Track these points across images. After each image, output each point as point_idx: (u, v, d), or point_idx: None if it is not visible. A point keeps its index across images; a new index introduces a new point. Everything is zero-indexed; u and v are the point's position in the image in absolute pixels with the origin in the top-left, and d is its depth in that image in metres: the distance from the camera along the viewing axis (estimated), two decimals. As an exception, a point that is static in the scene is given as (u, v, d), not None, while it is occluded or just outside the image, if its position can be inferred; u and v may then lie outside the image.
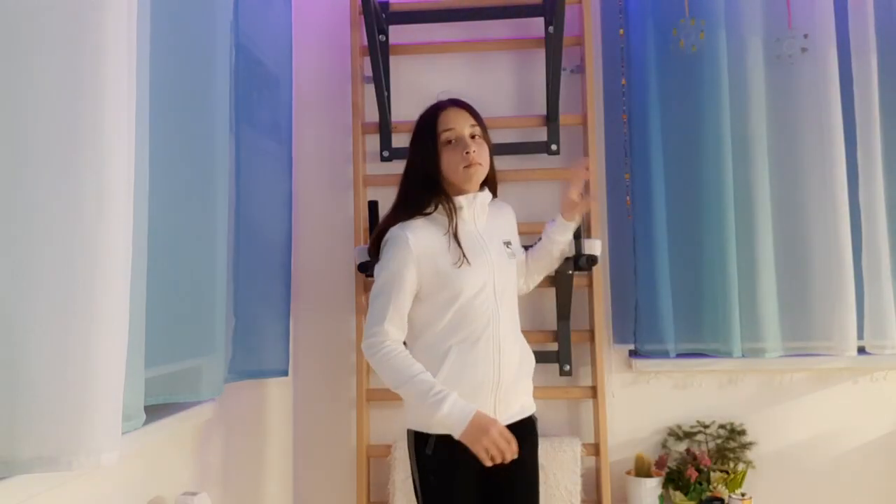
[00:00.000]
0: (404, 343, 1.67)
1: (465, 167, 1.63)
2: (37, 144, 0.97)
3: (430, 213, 1.66)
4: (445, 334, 1.63)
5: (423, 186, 1.65)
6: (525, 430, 1.70)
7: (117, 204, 1.04)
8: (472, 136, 1.66)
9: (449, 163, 1.64)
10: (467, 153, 1.62)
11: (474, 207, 1.68)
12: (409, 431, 1.70)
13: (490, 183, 1.74)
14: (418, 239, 1.62)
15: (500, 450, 1.53)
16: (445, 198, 1.65)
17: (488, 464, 1.54)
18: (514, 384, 1.68)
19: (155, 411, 1.53)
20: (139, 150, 1.20)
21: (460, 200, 1.66)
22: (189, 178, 1.55)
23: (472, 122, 1.67)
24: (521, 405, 1.71)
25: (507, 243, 1.74)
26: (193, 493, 1.59)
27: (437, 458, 1.62)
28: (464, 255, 1.61)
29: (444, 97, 1.73)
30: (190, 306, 1.55)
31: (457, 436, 1.54)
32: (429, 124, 1.67)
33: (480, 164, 1.64)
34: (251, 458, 2.15)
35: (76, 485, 1.24)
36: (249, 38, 1.97)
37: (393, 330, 1.62)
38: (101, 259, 1.01)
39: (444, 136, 1.65)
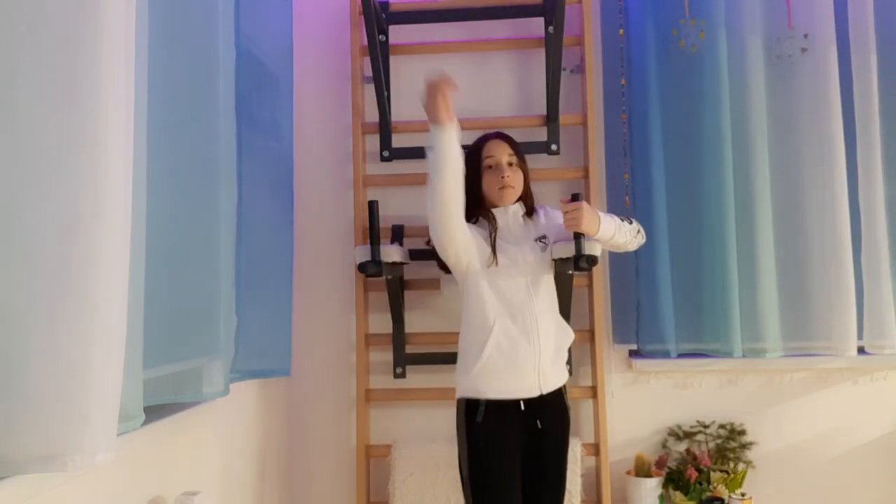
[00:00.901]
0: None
1: (500, 188, 1.95)
2: (34, 144, 0.97)
3: (474, 223, 1.96)
4: (491, 314, 1.89)
5: (468, 201, 1.91)
6: (557, 399, 1.94)
7: (115, 204, 1.04)
8: (510, 164, 1.97)
9: (488, 183, 1.97)
10: (502, 177, 1.95)
11: (507, 217, 1.98)
12: (459, 401, 1.93)
13: (526, 198, 2.02)
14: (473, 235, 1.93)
15: (439, 87, 1.74)
16: (485, 210, 1.99)
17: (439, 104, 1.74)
18: (553, 357, 1.92)
19: (155, 411, 1.53)
20: (139, 152, 1.20)
21: (496, 213, 1.98)
22: (192, 178, 1.54)
23: (510, 151, 1.99)
24: (557, 376, 1.94)
25: (541, 238, 1.98)
26: (193, 493, 1.59)
27: (487, 424, 1.86)
28: (495, 257, 1.91)
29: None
30: (194, 306, 1.54)
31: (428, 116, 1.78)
32: (475, 152, 2.00)
33: (513, 186, 1.96)
34: (251, 458, 2.15)
35: (76, 484, 1.24)
36: (249, 38, 1.97)
37: None
38: (98, 259, 1.01)
39: (486, 162, 1.98)
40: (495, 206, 1.99)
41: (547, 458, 1.91)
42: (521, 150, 2.02)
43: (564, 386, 1.99)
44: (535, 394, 1.88)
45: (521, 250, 1.94)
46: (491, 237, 1.93)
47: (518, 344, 1.87)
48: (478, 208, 1.98)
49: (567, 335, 2.01)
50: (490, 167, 1.97)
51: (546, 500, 1.90)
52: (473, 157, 1.99)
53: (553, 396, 1.92)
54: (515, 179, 1.96)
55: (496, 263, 1.90)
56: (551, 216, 2.05)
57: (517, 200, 2.00)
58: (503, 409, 1.87)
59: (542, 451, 1.90)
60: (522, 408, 1.88)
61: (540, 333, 1.89)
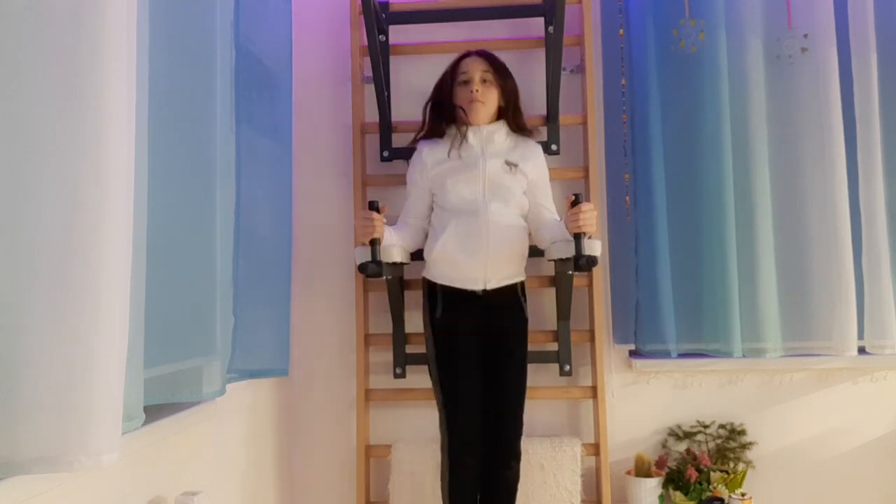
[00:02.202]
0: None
1: (469, 102, 2.04)
2: (36, 144, 0.97)
3: (443, 135, 2.10)
4: (450, 212, 2.06)
5: (441, 116, 2.09)
6: (509, 297, 2.07)
7: (117, 204, 1.04)
8: (483, 80, 2.05)
9: (459, 97, 2.07)
10: (472, 91, 2.03)
11: (481, 136, 2.06)
12: (423, 280, 2.12)
13: (512, 119, 2.10)
14: (431, 152, 2.10)
15: (363, 224, 1.95)
16: (456, 125, 2.08)
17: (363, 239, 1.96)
18: (503, 255, 2.03)
19: (155, 411, 1.53)
20: (139, 150, 1.20)
21: (466, 129, 2.07)
22: (191, 178, 1.54)
23: (485, 68, 2.06)
24: (507, 273, 2.06)
25: (511, 164, 2.06)
26: (193, 493, 1.59)
27: (445, 318, 2.05)
28: (449, 155, 2.06)
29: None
30: (192, 306, 1.54)
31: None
32: (451, 67, 2.11)
33: (482, 102, 2.04)
34: (251, 458, 2.15)
35: (76, 485, 1.24)
36: (249, 38, 1.96)
37: (403, 219, 2.17)
38: (101, 259, 1.01)
39: (460, 78, 2.07)
40: (469, 123, 2.06)
41: (503, 354, 2.04)
42: (503, 69, 2.09)
43: (521, 291, 2.09)
44: (479, 287, 2.02)
45: (482, 167, 2.03)
46: (453, 144, 2.05)
47: (468, 239, 2.00)
48: (449, 122, 2.08)
49: (521, 243, 2.08)
50: (464, 82, 2.05)
51: (507, 395, 2.02)
52: (449, 72, 2.09)
53: (506, 297, 2.04)
54: (486, 95, 2.03)
55: (458, 172, 2.02)
56: (533, 155, 2.11)
57: (497, 119, 2.08)
58: (457, 304, 2.03)
59: (498, 347, 2.04)
60: (472, 299, 2.01)
61: (490, 233, 1.99)
